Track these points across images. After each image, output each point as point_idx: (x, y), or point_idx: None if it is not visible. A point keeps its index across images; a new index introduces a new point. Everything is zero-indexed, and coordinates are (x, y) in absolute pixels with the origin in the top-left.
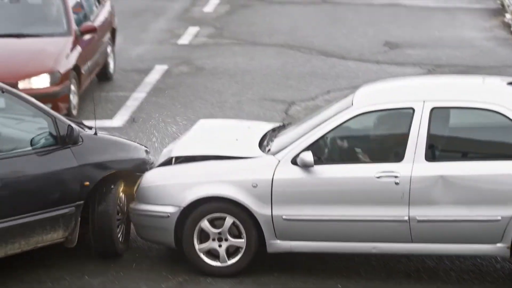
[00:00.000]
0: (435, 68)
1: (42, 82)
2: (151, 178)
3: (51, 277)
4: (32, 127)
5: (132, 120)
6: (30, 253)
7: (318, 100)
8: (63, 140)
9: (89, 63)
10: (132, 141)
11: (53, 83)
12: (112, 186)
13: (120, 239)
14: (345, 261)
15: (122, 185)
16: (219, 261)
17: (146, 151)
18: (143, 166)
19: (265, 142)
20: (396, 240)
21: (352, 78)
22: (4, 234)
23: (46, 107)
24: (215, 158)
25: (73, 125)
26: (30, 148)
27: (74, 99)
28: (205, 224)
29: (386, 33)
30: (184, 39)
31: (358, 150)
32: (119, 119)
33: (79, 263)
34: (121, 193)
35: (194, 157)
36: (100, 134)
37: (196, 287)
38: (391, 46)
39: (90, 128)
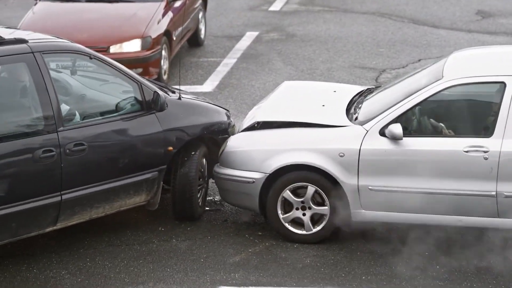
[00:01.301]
0: None
1: (133, 47)
2: (236, 143)
3: (139, 240)
4: (119, 93)
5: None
6: (116, 214)
7: (408, 68)
8: (149, 106)
9: (180, 29)
10: (214, 104)
11: (144, 48)
12: (194, 151)
13: (200, 204)
14: (433, 229)
15: (204, 149)
16: (304, 229)
17: (227, 114)
18: (225, 130)
19: (352, 109)
20: (483, 214)
21: (443, 47)
22: (90, 199)
23: (133, 73)
24: (301, 125)
25: (159, 91)
26: (116, 113)
27: (165, 64)
28: (287, 194)
29: (478, 2)
30: (276, 6)
31: (446, 123)
32: (209, 85)
33: (166, 227)
34: (203, 158)
35: (279, 122)
36: (184, 98)
37: (283, 252)
38: (483, 15)
39: (173, 92)
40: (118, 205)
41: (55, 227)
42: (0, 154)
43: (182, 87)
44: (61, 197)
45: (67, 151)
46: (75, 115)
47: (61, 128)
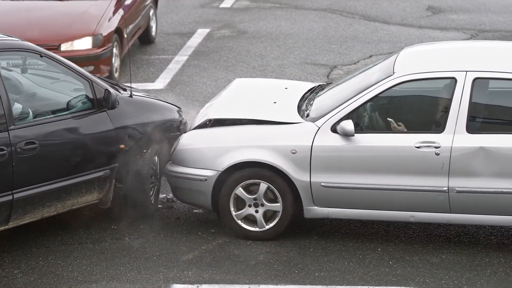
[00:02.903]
0: (478, 33)
1: (84, 44)
2: (188, 141)
3: (92, 239)
4: (70, 91)
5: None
6: (68, 214)
7: (360, 64)
8: (100, 103)
9: (131, 26)
10: (165, 101)
11: (95, 45)
12: (146, 149)
13: (152, 202)
14: (385, 225)
15: (156, 147)
16: (257, 226)
17: (179, 111)
18: (177, 127)
19: (303, 106)
20: (435, 210)
21: (395, 43)
22: (42, 198)
23: (84, 71)
24: (253, 122)
25: (110, 89)
26: (67, 111)
27: (116, 61)
28: (240, 191)
29: None
30: (227, 3)
31: (398, 119)
32: (161, 82)
33: (118, 225)
34: (155, 156)
35: (231, 120)
36: (135, 95)
37: (236, 250)
38: (434, 11)
39: (125, 89)
40: (70, 204)
41: (7, 227)
42: None
43: (134, 85)
44: (13, 196)
45: (18, 149)
46: (26, 113)
47: (12, 127)
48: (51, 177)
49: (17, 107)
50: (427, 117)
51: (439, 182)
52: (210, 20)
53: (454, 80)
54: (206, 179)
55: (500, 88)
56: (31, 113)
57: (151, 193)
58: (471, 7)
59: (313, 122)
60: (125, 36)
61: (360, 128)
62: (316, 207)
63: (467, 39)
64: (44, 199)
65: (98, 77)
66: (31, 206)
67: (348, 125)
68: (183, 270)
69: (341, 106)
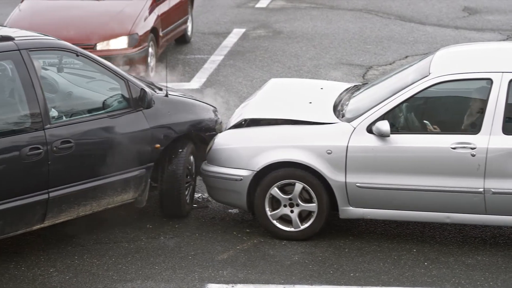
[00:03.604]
0: None
1: (120, 44)
2: (224, 140)
3: (127, 237)
4: (106, 90)
5: None
6: (104, 213)
7: (395, 65)
8: (136, 103)
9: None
10: (201, 101)
11: (131, 45)
12: (182, 148)
13: (187, 201)
14: (421, 226)
15: (192, 147)
16: (292, 226)
17: (214, 111)
18: (212, 127)
19: (339, 106)
20: (470, 211)
21: (430, 43)
22: (77, 196)
23: (120, 70)
24: (289, 122)
25: (146, 88)
26: (102, 111)
27: (151, 61)
28: (275, 191)
29: None
30: (262, 3)
31: (433, 120)
32: (196, 82)
33: (154, 224)
34: (191, 155)
35: (267, 120)
36: (171, 95)
37: (271, 249)
38: (470, 12)
39: (161, 89)
40: (105, 203)
41: (42, 225)
42: None
43: (169, 84)
44: (49, 195)
45: (54, 148)
46: (62, 112)
47: (48, 126)
48: (87, 176)
49: (52, 106)
50: (463, 118)
51: (475, 183)
52: (245, 20)
53: (490, 81)
54: (241, 179)
55: None
56: (66, 113)
57: (186, 193)
58: (508, 8)
59: (349, 122)
60: (161, 35)
61: (395, 128)
62: (351, 208)
63: (504, 40)
64: (80, 198)
65: (134, 77)
66: (66, 204)
67: (384, 125)
68: (218, 269)
69: (376, 107)
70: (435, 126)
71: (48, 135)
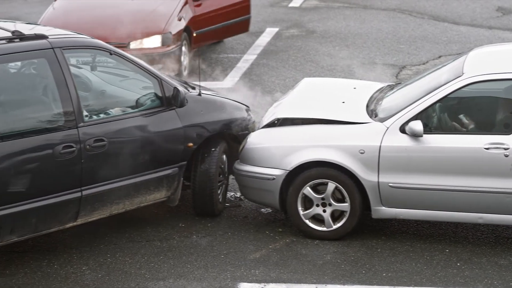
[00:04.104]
0: None
1: (153, 42)
2: (257, 140)
3: (159, 236)
4: (139, 89)
5: None
6: (136, 211)
7: (428, 64)
8: (169, 102)
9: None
10: (234, 100)
11: (164, 44)
12: (214, 147)
13: (220, 200)
14: (453, 226)
15: (224, 146)
16: (324, 225)
17: (247, 110)
18: (245, 126)
19: (372, 106)
20: (503, 212)
21: (464, 43)
22: (110, 195)
23: (153, 69)
24: (322, 122)
25: (179, 87)
26: (136, 109)
27: (185, 60)
28: (308, 190)
29: None
30: (296, 2)
31: (466, 120)
32: (229, 81)
33: (186, 223)
34: (223, 154)
35: (299, 119)
36: (204, 94)
37: (304, 249)
38: (504, 12)
39: (194, 88)
40: (138, 201)
41: (75, 223)
42: (20, 149)
43: (202, 83)
44: (81, 193)
45: (87, 147)
46: (95, 111)
47: (81, 124)
48: (120, 175)
49: (86, 104)
50: (496, 118)
51: (508, 184)
52: (279, 19)
53: None
54: (274, 178)
55: None
56: (100, 111)
57: (219, 192)
58: None
59: (382, 122)
60: (194, 34)
61: (428, 128)
62: (384, 208)
63: None
64: (112, 196)
65: (167, 75)
66: (99, 203)
67: (417, 125)
68: (250, 268)
69: (410, 107)
70: (472, 124)
71: (81, 133)
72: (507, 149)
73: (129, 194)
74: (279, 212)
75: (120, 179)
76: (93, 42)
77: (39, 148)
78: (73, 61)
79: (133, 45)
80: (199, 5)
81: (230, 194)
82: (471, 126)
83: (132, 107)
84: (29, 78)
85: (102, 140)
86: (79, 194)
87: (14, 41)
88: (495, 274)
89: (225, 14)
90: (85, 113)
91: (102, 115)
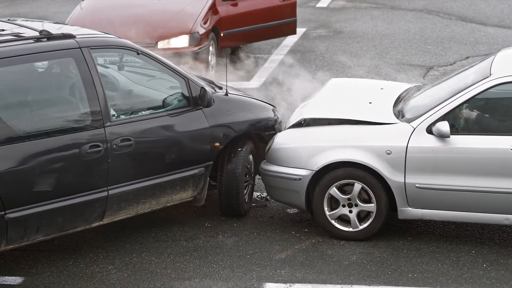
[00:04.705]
0: None
1: (181, 42)
2: (283, 140)
3: (185, 236)
4: (166, 88)
5: None
6: (163, 211)
7: (456, 65)
8: (196, 101)
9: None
10: (260, 100)
11: (192, 43)
12: (241, 147)
13: (246, 200)
14: (479, 227)
15: (251, 146)
16: (350, 226)
17: (274, 110)
18: (272, 126)
19: (399, 106)
20: None
21: (491, 44)
22: (136, 194)
23: (180, 69)
24: (348, 122)
25: (206, 87)
26: (162, 109)
27: (212, 60)
28: (334, 191)
29: None
30: (323, 2)
31: (493, 121)
32: (256, 81)
33: (212, 223)
34: (250, 154)
35: (326, 120)
36: (231, 94)
37: (329, 249)
38: None
39: (220, 87)
40: (164, 201)
41: (101, 222)
42: (48, 148)
43: (229, 83)
44: (108, 193)
45: (114, 146)
46: (122, 110)
47: (108, 124)
48: (146, 174)
49: (113, 104)
50: None
51: None
52: (306, 19)
53: None
54: (300, 178)
55: None
56: (127, 110)
57: (245, 192)
58: None
59: (409, 123)
60: (222, 35)
61: (455, 129)
62: (410, 208)
63: None
64: (139, 196)
65: (194, 75)
66: (125, 202)
67: (444, 126)
68: (276, 269)
69: (437, 107)
70: (499, 125)
71: (108, 133)
72: None
73: (155, 193)
74: (305, 213)
75: (146, 178)
76: (121, 42)
77: (66, 147)
78: (100, 60)
79: (161, 44)
80: (235, 5)
81: (256, 194)
82: (498, 127)
83: (159, 107)
84: (56, 78)
85: (129, 140)
86: (105, 193)
87: (41, 41)
88: None
89: (266, 15)
90: (112, 112)
91: (129, 115)
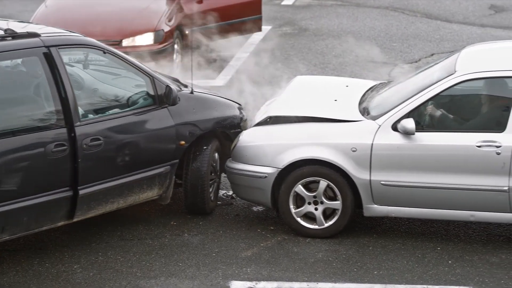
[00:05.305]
0: None
1: (145, 40)
2: (249, 138)
3: (151, 234)
4: (131, 87)
5: None
6: (128, 209)
7: (421, 62)
8: (161, 100)
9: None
10: (226, 98)
11: (156, 41)
12: (206, 146)
13: (212, 198)
14: (445, 224)
15: (217, 144)
16: (316, 223)
17: (240, 108)
18: (237, 124)
19: (364, 104)
20: (495, 210)
21: (456, 42)
22: (105, 194)
23: (146, 67)
24: (314, 120)
25: (172, 85)
26: (128, 108)
27: (177, 58)
28: (300, 188)
29: None
30: (288, 0)
31: (459, 117)
32: (222, 79)
33: (178, 221)
34: (215, 153)
35: (292, 117)
36: (196, 92)
37: (295, 247)
38: (496, 9)
39: (186, 86)
40: (131, 200)
41: (71, 221)
42: (13, 148)
43: (195, 81)
44: (78, 192)
45: (84, 146)
46: (90, 110)
47: (78, 123)
48: (115, 174)
49: (82, 103)
50: (488, 116)
51: (500, 182)
52: (271, 17)
53: None
54: (266, 176)
55: None
56: (94, 110)
57: (210, 190)
58: None
59: (374, 120)
60: (187, 32)
61: (421, 126)
62: (376, 206)
63: None
64: (108, 195)
65: (159, 73)
66: (95, 202)
67: (409, 123)
68: (242, 267)
69: (402, 105)
70: (464, 122)
71: (78, 132)
72: (499, 146)
73: (123, 192)
74: (271, 210)
75: (116, 177)
76: (87, 41)
77: (32, 146)
78: (65, 59)
79: (126, 42)
80: (200, 2)
81: (222, 192)
82: (463, 124)
83: (125, 106)
84: (22, 77)
85: (99, 139)
86: (75, 193)
87: (6, 39)
88: (486, 272)
89: (231, 12)
90: (81, 111)
91: (96, 114)
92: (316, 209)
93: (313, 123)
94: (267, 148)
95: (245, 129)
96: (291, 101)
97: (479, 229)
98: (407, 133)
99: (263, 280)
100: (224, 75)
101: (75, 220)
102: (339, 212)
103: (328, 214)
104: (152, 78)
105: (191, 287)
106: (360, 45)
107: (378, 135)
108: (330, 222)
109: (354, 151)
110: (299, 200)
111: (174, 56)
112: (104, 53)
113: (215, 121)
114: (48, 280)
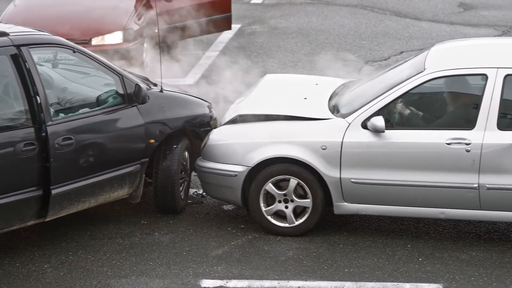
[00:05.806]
0: (510, 30)
1: (115, 39)
2: (219, 136)
3: (121, 233)
4: (101, 86)
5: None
6: (98, 208)
7: (390, 60)
8: (131, 98)
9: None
10: (195, 97)
11: (126, 40)
12: (176, 144)
13: (182, 197)
14: (415, 222)
15: (187, 142)
16: (286, 222)
17: (209, 107)
18: (207, 123)
19: (334, 102)
20: (465, 207)
21: (425, 39)
22: (77, 193)
23: (115, 66)
24: (284, 118)
25: (141, 84)
26: (98, 107)
27: (146, 56)
28: (270, 187)
29: None
30: None
31: (428, 115)
32: (191, 77)
33: (148, 220)
34: (185, 151)
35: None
36: (166, 90)
37: (266, 245)
38: (465, 7)
39: (155, 84)
40: (102, 199)
41: (38, 221)
42: None
43: (164, 80)
44: (51, 192)
45: (56, 145)
46: (60, 109)
47: (50, 123)
48: (86, 173)
49: (53, 102)
50: (458, 113)
51: (470, 179)
52: (241, 15)
53: (485, 76)
54: (236, 175)
55: None
56: (64, 109)
57: (180, 189)
58: (503, 3)
59: (344, 118)
60: (156, 31)
61: (390, 124)
62: (346, 203)
63: (499, 35)
64: (80, 194)
65: (129, 72)
66: (67, 201)
67: (379, 121)
68: (212, 265)
69: (371, 102)
70: (434, 120)
71: (50, 131)
72: (469, 144)
73: (94, 192)
74: (241, 209)
75: (87, 177)
76: (56, 40)
77: (0, 145)
78: (35, 58)
79: (95, 41)
80: (169, 0)
81: (192, 191)
82: (433, 121)
83: (95, 105)
84: None
85: (70, 139)
86: (47, 192)
87: None
88: (457, 269)
89: (201, 10)
90: (52, 111)
91: (67, 114)
92: (286, 207)
93: (283, 121)
94: (237, 147)
95: (215, 128)
96: (261, 99)
97: (449, 227)
98: (377, 131)
99: (234, 278)
100: (194, 74)
101: (47, 219)
102: (309, 210)
103: (298, 212)
104: (121, 77)
105: (162, 286)
106: (329, 43)
107: (348, 133)
108: (301, 220)
109: (324, 149)
110: (270, 199)
111: (144, 55)
112: (74, 52)
113: (185, 119)
114: (18, 280)
